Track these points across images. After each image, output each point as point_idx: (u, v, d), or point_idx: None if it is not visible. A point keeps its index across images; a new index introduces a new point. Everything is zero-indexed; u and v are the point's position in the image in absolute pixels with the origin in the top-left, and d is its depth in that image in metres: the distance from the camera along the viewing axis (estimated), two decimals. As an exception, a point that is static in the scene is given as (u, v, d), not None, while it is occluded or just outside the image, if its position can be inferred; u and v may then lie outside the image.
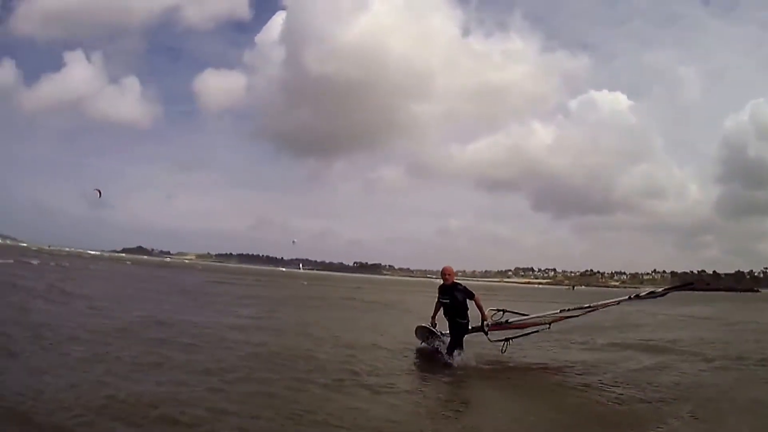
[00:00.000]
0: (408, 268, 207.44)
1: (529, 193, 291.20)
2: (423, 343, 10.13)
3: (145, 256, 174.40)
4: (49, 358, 7.17)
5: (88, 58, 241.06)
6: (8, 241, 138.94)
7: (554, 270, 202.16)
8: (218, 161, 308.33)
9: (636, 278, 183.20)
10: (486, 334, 9.22)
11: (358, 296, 30.78)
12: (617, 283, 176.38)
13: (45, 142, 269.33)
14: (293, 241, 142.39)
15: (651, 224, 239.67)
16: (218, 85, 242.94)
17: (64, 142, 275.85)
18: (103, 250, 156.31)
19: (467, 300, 8.90)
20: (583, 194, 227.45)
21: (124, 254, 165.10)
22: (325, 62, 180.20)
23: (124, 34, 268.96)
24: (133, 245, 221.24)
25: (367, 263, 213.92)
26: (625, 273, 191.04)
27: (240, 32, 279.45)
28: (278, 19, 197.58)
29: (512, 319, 9.61)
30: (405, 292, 42.14)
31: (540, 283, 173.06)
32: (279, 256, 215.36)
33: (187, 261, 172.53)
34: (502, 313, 9.65)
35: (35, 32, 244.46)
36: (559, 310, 9.67)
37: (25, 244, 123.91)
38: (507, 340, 9.62)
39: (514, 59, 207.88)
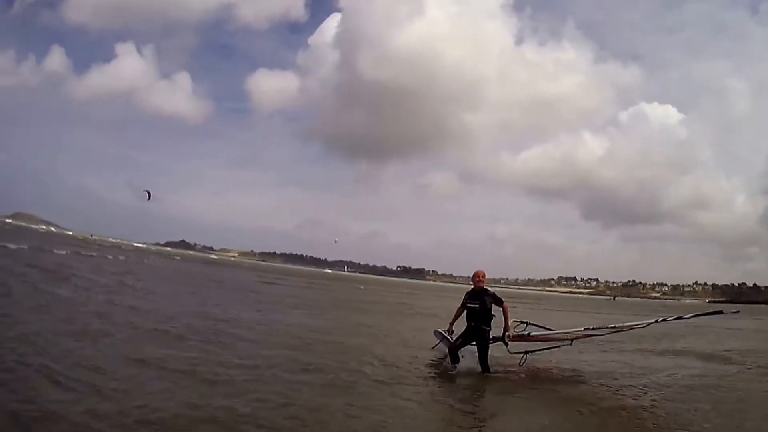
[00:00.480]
0: (451, 274, 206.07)
1: (579, 202, 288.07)
2: (437, 346, 10.18)
3: (191, 252, 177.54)
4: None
5: (140, 51, 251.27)
6: (52, 228, 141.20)
7: (597, 280, 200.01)
8: (268, 160, 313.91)
9: (677, 290, 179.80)
10: (506, 344, 9.01)
11: (420, 304, 30.58)
12: (658, 295, 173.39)
13: (93, 131, 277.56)
14: (335, 241, 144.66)
15: (696, 235, 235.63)
16: (271, 85, 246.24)
17: (112, 133, 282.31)
18: (146, 242, 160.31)
19: (494, 307, 8.75)
20: (632, 205, 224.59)
21: (169, 248, 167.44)
22: (379, 67, 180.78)
23: (179, 29, 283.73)
24: (177, 239, 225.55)
25: (410, 267, 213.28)
26: (666, 284, 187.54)
27: (294, 33, 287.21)
28: (333, 22, 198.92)
29: (534, 332, 9.52)
30: (456, 300, 40.49)
31: (582, 293, 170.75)
32: (323, 257, 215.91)
33: (231, 258, 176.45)
34: (525, 325, 9.51)
35: (87, 21, 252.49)
36: (583, 328, 9.65)
37: (70, 233, 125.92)
38: (526, 353, 9.44)
39: (567, 70, 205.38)
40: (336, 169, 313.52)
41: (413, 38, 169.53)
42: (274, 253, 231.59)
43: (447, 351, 9.11)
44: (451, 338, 9.20)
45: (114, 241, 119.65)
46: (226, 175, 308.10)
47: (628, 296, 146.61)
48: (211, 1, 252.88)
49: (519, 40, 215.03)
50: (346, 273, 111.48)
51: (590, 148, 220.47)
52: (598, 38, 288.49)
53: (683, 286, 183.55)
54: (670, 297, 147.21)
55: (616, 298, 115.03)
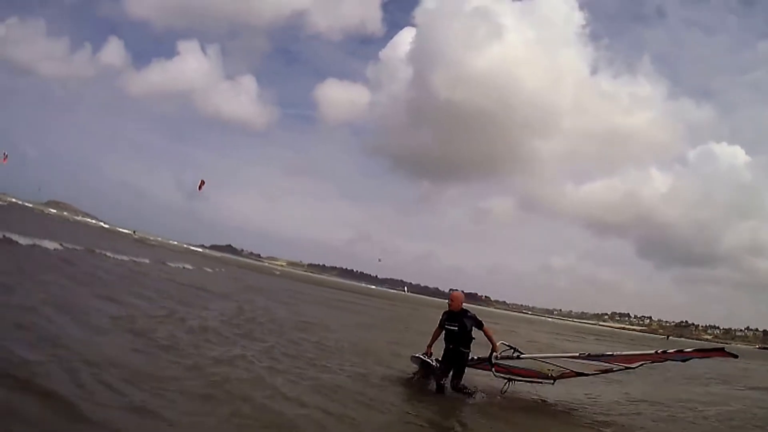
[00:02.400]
0: (504, 302, 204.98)
1: (637, 239, 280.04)
2: (415, 376, 9.33)
3: (240, 257, 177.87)
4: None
5: (204, 51, 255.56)
6: (90, 220, 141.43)
7: (650, 318, 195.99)
8: (328, 171, 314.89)
9: (728, 334, 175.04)
10: (492, 366, 8.63)
11: (524, 333, 29.79)
12: (710, 337, 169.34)
13: (145, 127, 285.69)
14: (378, 260, 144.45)
15: (752, 281, 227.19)
16: (340, 96, 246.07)
17: (165, 131, 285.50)
18: (190, 243, 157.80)
19: (474, 329, 8.42)
20: (689, 246, 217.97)
21: (219, 253, 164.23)
22: (454, 88, 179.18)
23: (247, 32, 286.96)
24: (223, 243, 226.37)
25: (463, 291, 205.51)
26: (718, 327, 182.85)
27: (366, 45, 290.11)
28: (406, 37, 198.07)
29: (522, 356, 8.69)
30: (537, 331, 38.74)
31: (635, 330, 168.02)
32: (373, 274, 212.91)
33: (279, 267, 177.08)
34: (513, 350, 8.71)
35: (150, 16, 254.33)
36: (577, 353, 8.91)
37: (106, 226, 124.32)
38: (510, 380, 9.02)
39: (641, 104, 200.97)
40: (397, 186, 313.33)
41: (490, 61, 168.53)
42: (324, 265, 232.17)
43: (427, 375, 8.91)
44: (431, 361, 8.75)
45: (159, 240, 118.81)
46: (281, 183, 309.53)
47: (681, 336, 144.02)
48: (283, 6, 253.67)
49: (594, 70, 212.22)
50: (406, 293, 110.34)
51: (655, 185, 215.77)
52: (672, 74, 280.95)
53: (735, 330, 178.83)
54: (722, 340, 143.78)
55: (670, 338, 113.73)
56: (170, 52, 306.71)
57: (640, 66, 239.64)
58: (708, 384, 14.49)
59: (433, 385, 8.54)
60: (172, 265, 30.13)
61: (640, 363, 8.41)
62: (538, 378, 9.07)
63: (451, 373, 8.39)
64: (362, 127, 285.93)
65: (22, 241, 17.54)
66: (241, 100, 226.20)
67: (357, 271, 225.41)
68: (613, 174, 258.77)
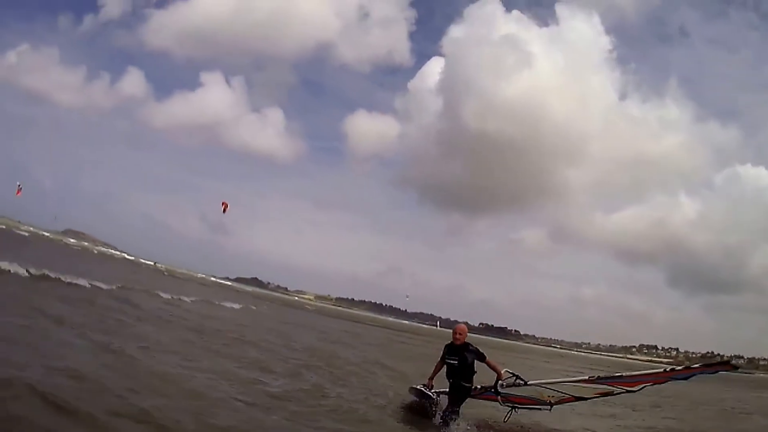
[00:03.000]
0: (533, 335, 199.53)
1: (666, 267, 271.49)
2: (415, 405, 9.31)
3: (276, 293, 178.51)
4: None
5: (228, 82, 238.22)
6: (111, 250, 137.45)
7: (677, 350, 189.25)
8: (355, 203, 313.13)
9: (752, 363, 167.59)
10: (498, 395, 8.75)
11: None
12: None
13: (169, 159, 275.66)
14: (407, 296, 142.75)
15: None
16: (368, 128, 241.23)
17: (190, 163, 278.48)
18: (214, 276, 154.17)
19: (476, 362, 8.39)
20: (716, 272, 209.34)
21: (248, 286, 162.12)
22: (484, 118, 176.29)
23: (272, 64, 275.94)
24: (248, 275, 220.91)
25: (493, 325, 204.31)
26: (743, 357, 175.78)
27: (394, 75, 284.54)
28: (434, 67, 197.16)
29: (530, 382, 8.88)
30: (570, 367, 38.02)
31: (662, 363, 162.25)
32: (402, 308, 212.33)
33: (308, 300, 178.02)
34: (515, 378, 8.77)
35: (169, 47, 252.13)
36: (587, 377, 9.22)
37: (130, 257, 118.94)
38: (513, 408, 9.08)
39: (669, 128, 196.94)
40: (426, 218, 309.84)
41: (519, 89, 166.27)
42: (353, 299, 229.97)
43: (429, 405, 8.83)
44: (431, 393, 8.81)
45: (185, 272, 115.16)
46: (308, 215, 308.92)
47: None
48: (309, 38, 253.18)
49: (623, 96, 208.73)
50: (438, 329, 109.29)
51: (684, 212, 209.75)
52: (698, 95, 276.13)
53: (758, 359, 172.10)
54: (745, 370, 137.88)
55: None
56: (193, 84, 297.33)
57: (668, 89, 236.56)
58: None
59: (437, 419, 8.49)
60: (225, 305, 30.40)
61: (643, 385, 8.47)
62: (536, 404, 9.17)
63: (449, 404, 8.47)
64: (391, 159, 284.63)
65: (81, 282, 17.59)
66: (268, 132, 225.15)
67: (386, 305, 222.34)
68: (642, 201, 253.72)
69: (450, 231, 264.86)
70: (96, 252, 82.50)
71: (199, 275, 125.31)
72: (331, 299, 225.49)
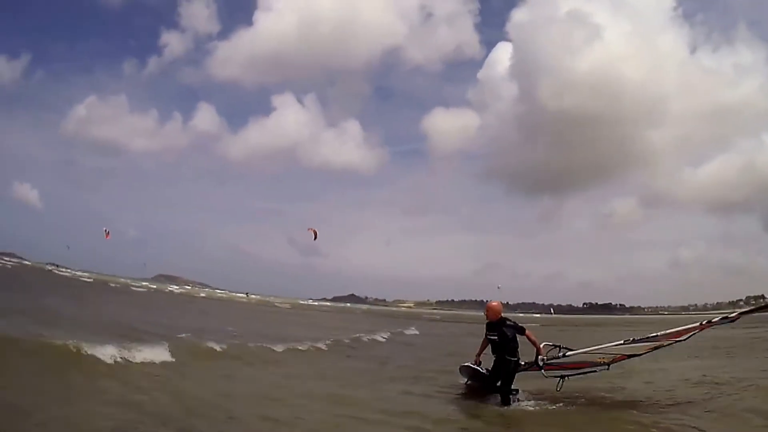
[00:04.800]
0: (639, 306, 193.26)
1: (761, 214, 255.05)
2: (468, 381, 9.66)
3: (377, 306, 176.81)
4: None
5: (301, 102, 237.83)
6: (206, 290, 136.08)
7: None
8: (444, 203, 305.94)
9: None
10: (541, 369, 8.73)
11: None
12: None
13: (251, 188, 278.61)
14: (498, 287, 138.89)
15: None
16: (448, 125, 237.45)
17: (272, 188, 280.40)
18: (311, 299, 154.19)
19: (517, 336, 8.53)
20: None
21: (344, 303, 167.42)
22: (561, 96, 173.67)
23: (343, 76, 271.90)
24: (345, 293, 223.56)
25: (597, 303, 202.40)
26: None
27: (464, 68, 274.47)
28: (502, 53, 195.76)
29: (569, 353, 8.88)
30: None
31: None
32: (504, 301, 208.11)
33: (408, 308, 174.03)
34: (558, 348, 8.93)
35: (237, 76, 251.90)
36: (622, 341, 8.70)
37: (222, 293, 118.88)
38: (563, 377, 8.92)
39: (744, 73, 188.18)
40: (516, 207, 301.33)
41: (592, 62, 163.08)
42: (452, 300, 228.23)
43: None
44: (480, 369, 9.13)
45: (288, 300, 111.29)
46: (397, 223, 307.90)
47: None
48: (376, 45, 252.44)
49: (693, 49, 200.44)
50: (554, 315, 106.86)
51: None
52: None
53: None
54: None
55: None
56: (266, 109, 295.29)
57: (737, 34, 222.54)
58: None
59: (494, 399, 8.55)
60: (407, 332, 28.65)
61: (690, 334, 8.27)
62: (592, 367, 8.98)
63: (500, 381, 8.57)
64: (475, 152, 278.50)
65: (278, 347, 14.07)
66: (347, 146, 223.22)
67: (487, 301, 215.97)
68: (727, 149, 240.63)
69: (542, 216, 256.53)
70: (210, 297, 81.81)
71: (302, 301, 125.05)
72: (431, 304, 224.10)
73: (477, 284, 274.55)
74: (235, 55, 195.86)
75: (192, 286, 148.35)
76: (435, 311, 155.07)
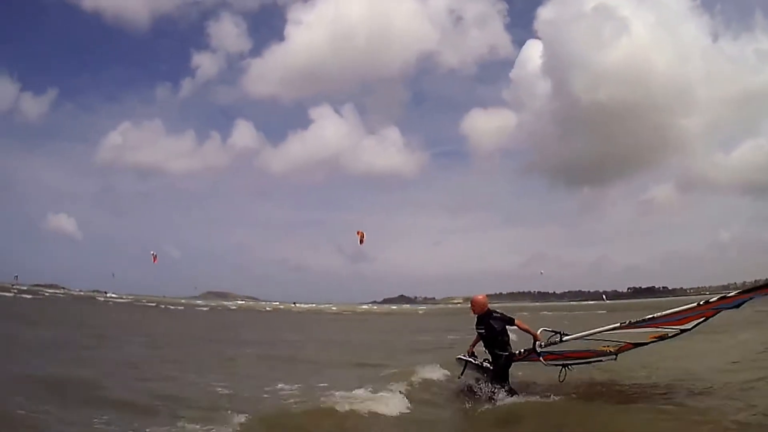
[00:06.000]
0: (682, 288, 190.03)
1: None
2: (462, 375, 9.25)
3: (425, 304, 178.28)
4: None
5: (339, 113, 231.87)
6: (250, 302, 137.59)
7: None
8: (487, 201, 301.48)
9: None
10: (539, 356, 8.35)
11: None
12: None
13: (295, 201, 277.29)
14: (541, 272, 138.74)
15: None
16: (485, 125, 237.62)
17: (316, 199, 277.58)
18: (361, 302, 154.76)
19: (507, 327, 8.38)
20: None
21: (395, 305, 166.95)
22: (594, 89, 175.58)
23: (379, 84, 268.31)
24: (394, 295, 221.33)
25: (641, 287, 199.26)
26: None
27: (497, 68, 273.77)
28: (532, 51, 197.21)
29: (566, 338, 8.25)
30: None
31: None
32: (551, 291, 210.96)
33: (458, 305, 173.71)
34: (558, 335, 8.28)
35: (273, 92, 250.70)
36: (618, 324, 8.06)
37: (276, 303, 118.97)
38: (565, 366, 8.64)
39: (766, 57, 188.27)
40: (557, 200, 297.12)
41: (621, 54, 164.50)
42: (500, 293, 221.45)
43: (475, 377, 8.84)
44: (474, 360, 8.99)
45: (339, 307, 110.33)
46: (441, 224, 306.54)
47: None
48: (409, 53, 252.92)
49: (715, 38, 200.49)
50: (607, 302, 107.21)
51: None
52: None
53: None
54: None
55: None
56: (304, 122, 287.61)
57: (755, 22, 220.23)
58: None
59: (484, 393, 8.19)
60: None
61: (695, 322, 7.66)
62: (597, 356, 8.58)
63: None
64: (513, 149, 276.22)
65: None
66: (388, 152, 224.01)
67: (534, 292, 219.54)
68: (758, 133, 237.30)
69: (583, 207, 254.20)
70: (279, 310, 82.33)
71: (363, 306, 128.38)
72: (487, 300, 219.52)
73: (524, 276, 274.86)
74: (269, 71, 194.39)
75: (243, 301, 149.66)
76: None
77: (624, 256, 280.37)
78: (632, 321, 7.97)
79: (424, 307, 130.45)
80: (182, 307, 66.65)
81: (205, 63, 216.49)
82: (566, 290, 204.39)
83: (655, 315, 7.80)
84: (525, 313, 35.07)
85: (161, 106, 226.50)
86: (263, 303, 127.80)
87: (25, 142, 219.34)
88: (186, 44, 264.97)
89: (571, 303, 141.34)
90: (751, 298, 7.08)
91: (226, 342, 18.44)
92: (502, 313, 8.47)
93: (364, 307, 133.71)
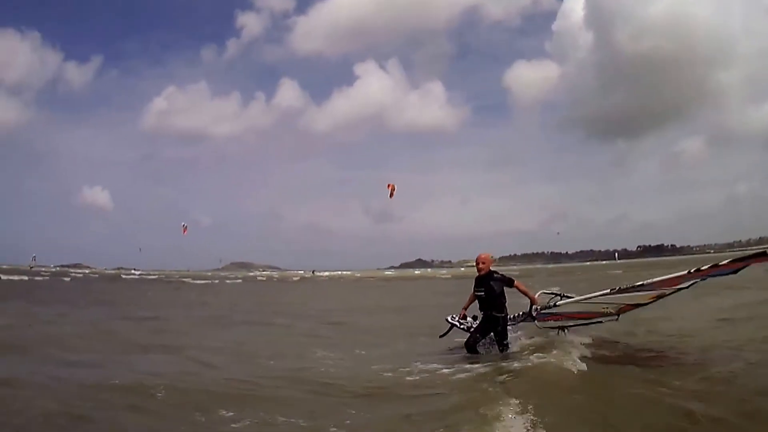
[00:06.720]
0: (689, 246, 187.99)
1: None
2: (444, 335, 9.18)
3: (444, 268, 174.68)
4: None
5: (384, 68, 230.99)
6: (272, 272, 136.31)
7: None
8: (523, 156, 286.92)
9: None
10: (534, 319, 8.40)
11: None
12: None
13: (335, 159, 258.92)
14: (557, 233, 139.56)
15: None
16: (528, 77, 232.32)
17: (356, 157, 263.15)
18: (379, 268, 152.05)
19: (505, 289, 8.21)
20: None
21: (413, 270, 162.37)
22: (637, 41, 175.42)
23: (424, 39, 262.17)
24: (412, 258, 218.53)
25: (650, 245, 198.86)
26: None
27: (542, 20, 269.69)
28: (574, 3, 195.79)
29: (560, 302, 8.29)
30: None
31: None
32: (563, 251, 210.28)
33: (470, 267, 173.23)
34: (559, 297, 8.38)
35: (319, 49, 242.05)
36: (608, 290, 7.81)
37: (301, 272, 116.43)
38: (561, 328, 8.65)
39: None
40: (591, 153, 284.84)
41: (664, 6, 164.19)
42: (515, 255, 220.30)
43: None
44: (462, 323, 8.89)
45: (347, 273, 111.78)
46: (475, 180, 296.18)
47: None
48: (454, 6, 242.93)
49: None
50: (618, 262, 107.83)
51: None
52: None
53: None
54: None
55: None
56: (349, 79, 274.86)
57: None
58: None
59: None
60: None
61: (691, 282, 7.18)
62: (598, 317, 8.51)
63: (487, 336, 8.35)
64: (555, 102, 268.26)
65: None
66: (431, 107, 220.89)
67: (548, 252, 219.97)
68: None
69: (614, 161, 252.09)
70: (296, 279, 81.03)
71: (389, 272, 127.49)
72: (495, 261, 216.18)
73: (540, 237, 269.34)
74: (315, 28, 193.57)
75: (266, 270, 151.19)
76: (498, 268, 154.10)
77: (642, 213, 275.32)
78: (621, 287, 7.77)
79: (445, 271, 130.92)
80: (217, 281, 65.93)
81: (250, 23, 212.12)
82: (579, 250, 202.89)
83: (644, 282, 7.52)
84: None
85: (206, 68, 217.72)
86: (288, 273, 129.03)
87: (68, 113, 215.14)
88: (230, 4, 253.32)
89: (585, 264, 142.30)
90: (745, 266, 6.56)
91: (287, 315, 17.97)
92: (502, 275, 8.31)
93: (389, 273, 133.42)
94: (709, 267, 6.61)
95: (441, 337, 9.20)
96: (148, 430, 5.32)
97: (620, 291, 7.73)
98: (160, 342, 10.74)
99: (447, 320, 9.36)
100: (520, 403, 5.45)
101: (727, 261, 6.46)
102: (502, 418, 5.06)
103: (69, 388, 6.57)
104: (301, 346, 10.52)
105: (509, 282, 8.24)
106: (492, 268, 8.43)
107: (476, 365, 7.60)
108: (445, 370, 7.53)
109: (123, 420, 5.47)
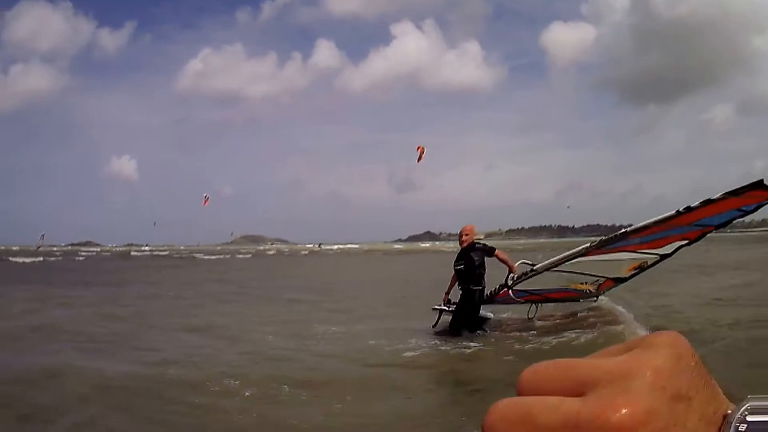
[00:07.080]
0: None
1: None
2: (436, 324, 8.54)
3: (451, 241, 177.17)
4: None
5: (420, 29, 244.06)
6: (281, 245, 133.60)
7: None
8: (554, 119, 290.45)
9: None
10: (509, 288, 7.86)
11: None
12: None
13: (368, 121, 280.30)
14: (567, 207, 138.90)
15: None
16: (565, 38, 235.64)
17: (389, 120, 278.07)
18: (385, 241, 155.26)
19: (486, 259, 7.85)
20: None
21: (421, 243, 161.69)
22: (675, 4, 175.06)
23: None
24: (421, 231, 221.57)
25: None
26: None
27: None
28: None
29: (536, 267, 7.74)
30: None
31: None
32: (570, 225, 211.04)
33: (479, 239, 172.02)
34: (531, 267, 7.81)
35: (355, 9, 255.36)
36: (588, 244, 7.23)
37: (310, 246, 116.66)
38: (534, 302, 8.37)
39: None
40: (621, 117, 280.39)
41: None
42: (522, 228, 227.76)
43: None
44: (448, 308, 8.22)
45: (355, 246, 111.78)
46: (502, 145, 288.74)
47: None
48: None
49: None
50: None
51: None
52: None
53: None
54: None
55: None
56: (385, 39, 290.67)
57: None
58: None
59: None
60: None
61: (677, 245, 6.89)
62: (576, 296, 8.44)
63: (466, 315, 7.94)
64: (590, 64, 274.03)
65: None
66: (467, 67, 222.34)
67: (555, 226, 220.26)
68: None
69: (641, 127, 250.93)
70: (305, 253, 79.50)
71: (398, 246, 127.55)
72: (501, 234, 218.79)
73: (550, 209, 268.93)
74: None
75: (272, 243, 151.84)
76: (504, 242, 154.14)
77: (657, 185, 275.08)
78: (603, 239, 7.15)
79: (452, 244, 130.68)
80: (228, 255, 64.25)
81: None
82: (585, 224, 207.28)
83: (627, 230, 6.85)
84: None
85: (242, 30, 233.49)
86: (297, 246, 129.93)
87: (102, 79, 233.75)
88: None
89: (590, 238, 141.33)
90: (740, 210, 6.08)
91: (300, 290, 17.33)
92: (484, 244, 8.12)
93: (398, 246, 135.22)
94: (699, 203, 5.86)
95: (434, 326, 8.55)
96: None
97: (601, 243, 7.11)
98: (187, 321, 10.42)
99: (434, 308, 8.74)
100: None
101: (719, 195, 5.68)
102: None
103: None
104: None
105: (490, 251, 7.96)
106: (482, 241, 8.35)
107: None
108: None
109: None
